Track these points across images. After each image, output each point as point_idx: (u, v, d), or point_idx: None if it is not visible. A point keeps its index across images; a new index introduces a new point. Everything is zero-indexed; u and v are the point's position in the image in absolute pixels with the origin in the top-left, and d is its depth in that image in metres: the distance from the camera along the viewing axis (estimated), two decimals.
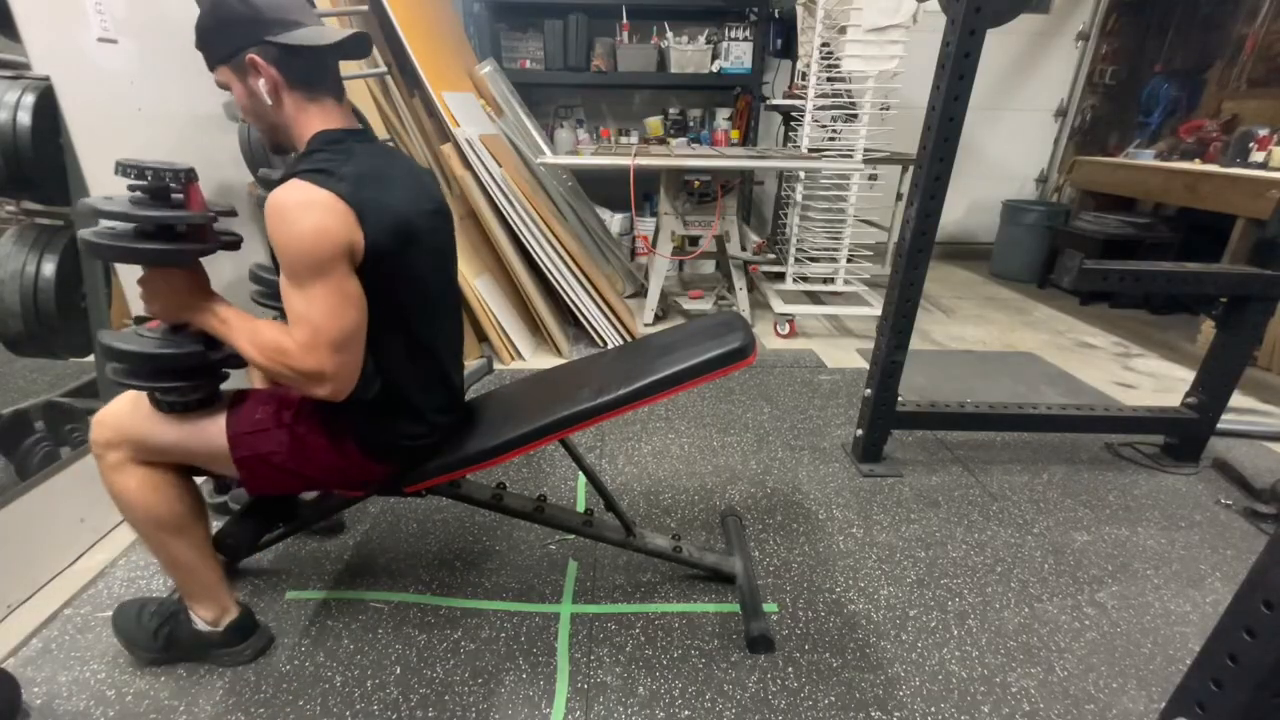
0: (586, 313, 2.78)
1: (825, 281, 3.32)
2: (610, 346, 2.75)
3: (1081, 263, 1.65)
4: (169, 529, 1.10)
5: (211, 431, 1.05)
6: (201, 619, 1.17)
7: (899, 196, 3.61)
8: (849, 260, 3.21)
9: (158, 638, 1.16)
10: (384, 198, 0.96)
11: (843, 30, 2.82)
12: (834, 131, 3.10)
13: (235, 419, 1.06)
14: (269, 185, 1.67)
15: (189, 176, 0.96)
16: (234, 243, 1.10)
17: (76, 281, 1.61)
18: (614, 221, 3.82)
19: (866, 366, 2.02)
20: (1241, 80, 3.50)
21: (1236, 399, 2.09)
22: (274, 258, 0.95)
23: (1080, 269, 1.65)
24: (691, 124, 4.15)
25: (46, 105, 1.41)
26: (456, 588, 1.41)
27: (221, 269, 1.91)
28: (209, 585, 1.17)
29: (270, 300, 1.41)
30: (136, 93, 1.63)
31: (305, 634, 1.27)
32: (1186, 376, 2.06)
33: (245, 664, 1.20)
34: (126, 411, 1.06)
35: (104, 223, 0.97)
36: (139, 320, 1.06)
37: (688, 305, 3.23)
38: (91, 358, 1.74)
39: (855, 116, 3.03)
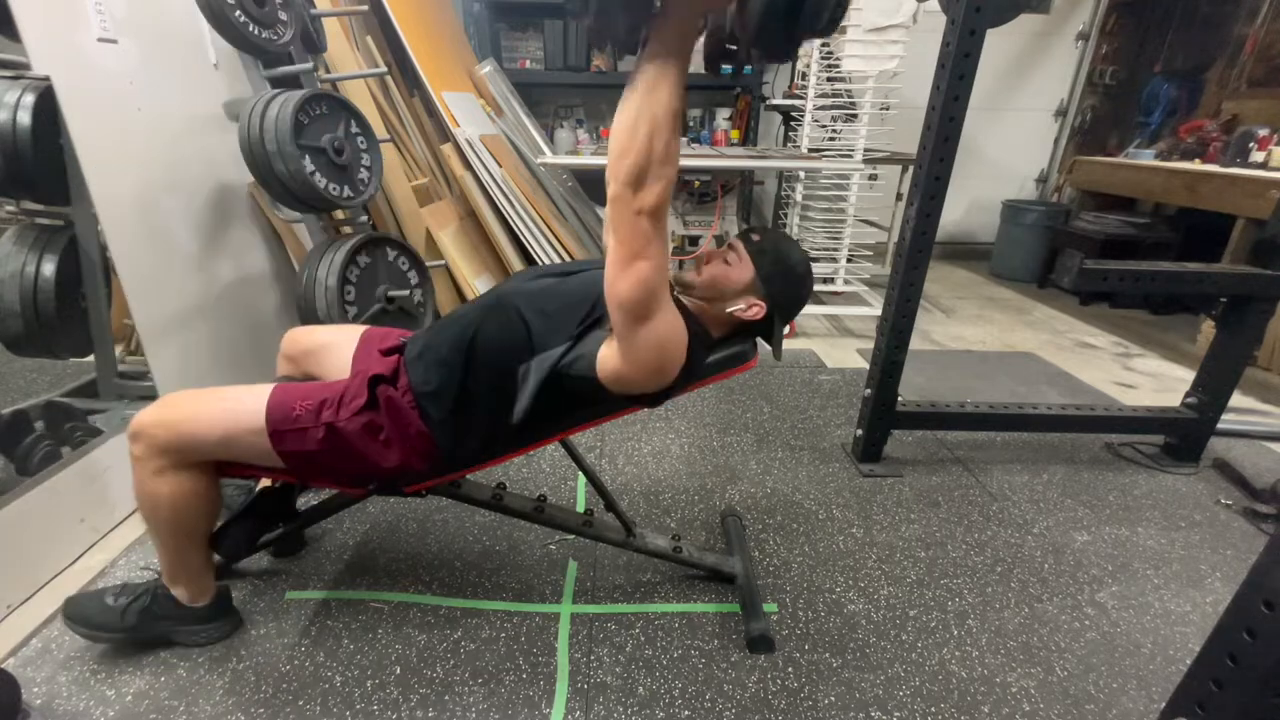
0: None
1: (825, 281, 3.32)
2: None
3: (1081, 263, 1.65)
4: (186, 534, 1.12)
5: (254, 426, 1.05)
6: (180, 598, 1.19)
7: (899, 196, 3.61)
8: (849, 260, 3.21)
9: (126, 616, 1.17)
10: None
11: (843, 30, 2.82)
12: (834, 131, 3.10)
13: (274, 415, 1.06)
14: (264, 178, 1.67)
15: None
16: None
17: (76, 281, 1.61)
18: None
19: (866, 366, 2.02)
20: (1241, 80, 3.50)
21: (1236, 399, 2.09)
22: None
23: (1080, 269, 1.65)
24: (691, 124, 4.15)
25: (46, 105, 1.41)
26: (456, 588, 1.41)
27: (220, 271, 1.91)
28: (198, 569, 1.19)
29: None
30: (136, 93, 1.63)
31: (305, 634, 1.27)
32: (1186, 376, 2.06)
33: (214, 643, 1.23)
34: (170, 414, 1.06)
35: None
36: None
37: None
38: (92, 358, 1.75)
39: (855, 116, 3.03)
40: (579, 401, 1.09)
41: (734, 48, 0.85)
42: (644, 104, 0.79)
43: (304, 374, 1.32)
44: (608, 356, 0.99)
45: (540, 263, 2.73)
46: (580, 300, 1.06)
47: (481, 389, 1.07)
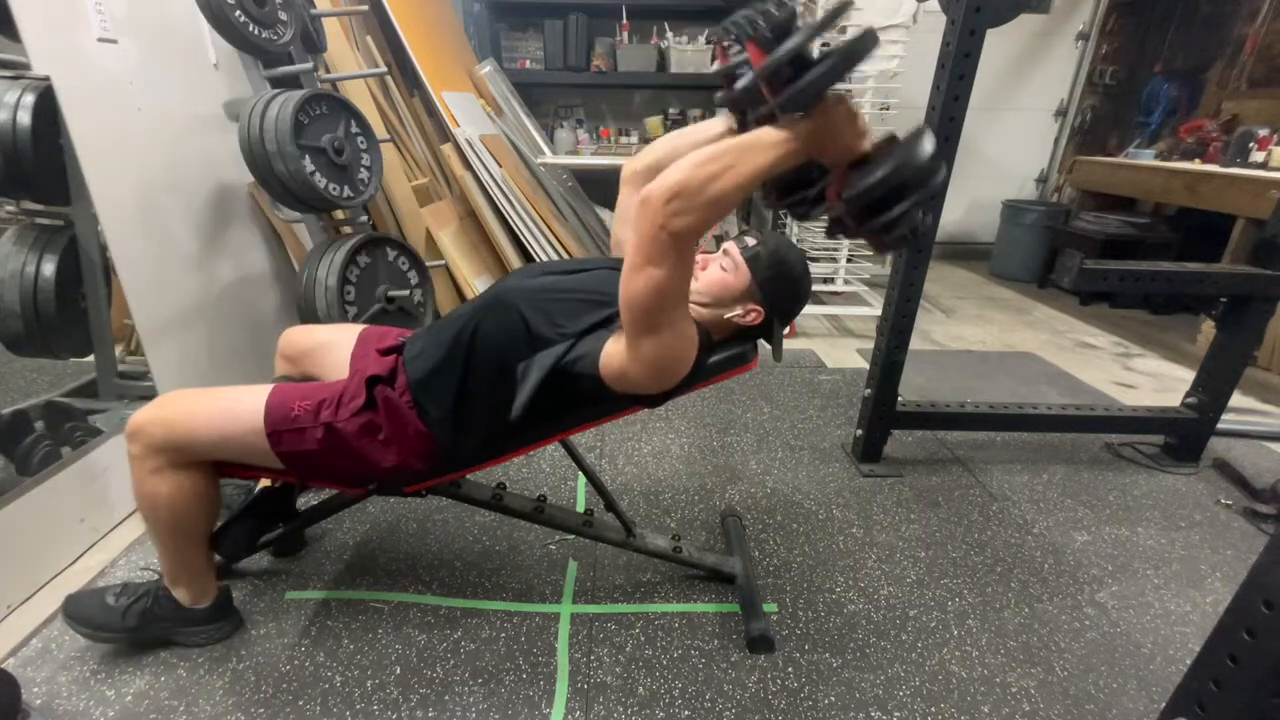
0: None
1: (825, 281, 3.32)
2: None
3: (1081, 263, 1.65)
4: (186, 534, 1.12)
5: (252, 425, 1.05)
6: (181, 599, 1.19)
7: None
8: (849, 260, 3.21)
9: (127, 617, 1.17)
10: None
11: (843, 30, 2.82)
12: None
13: (273, 415, 1.06)
14: (264, 178, 1.67)
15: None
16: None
17: (76, 281, 1.61)
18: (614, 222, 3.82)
19: (866, 366, 2.02)
20: (1241, 80, 3.50)
21: (1236, 399, 2.09)
22: None
23: (1080, 269, 1.65)
24: (691, 124, 4.14)
25: (46, 105, 1.41)
26: (456, 588, 1.41)
27: (220, 271, 1.91)
28: (199, 571, 1.19)
29: None
30: (136, 93, 1.63)
31: (305, 634, 1.27)
32: (1186, 376, 2.06)
33: (215, 644, 1.22)
34: (168, 412, 1.06)
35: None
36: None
37: None
38: (92, 358, 1.74)
39: None
40: (579, 400, 1.09)
41: (806, 189, 0.89)
42: (733, 151, 0.80)
43: (302, 374, 1.32)
44: (614, 354, 0.98)
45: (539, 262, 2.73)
46: (585, 300, 1.06)
47: (481, 386, 1.07)
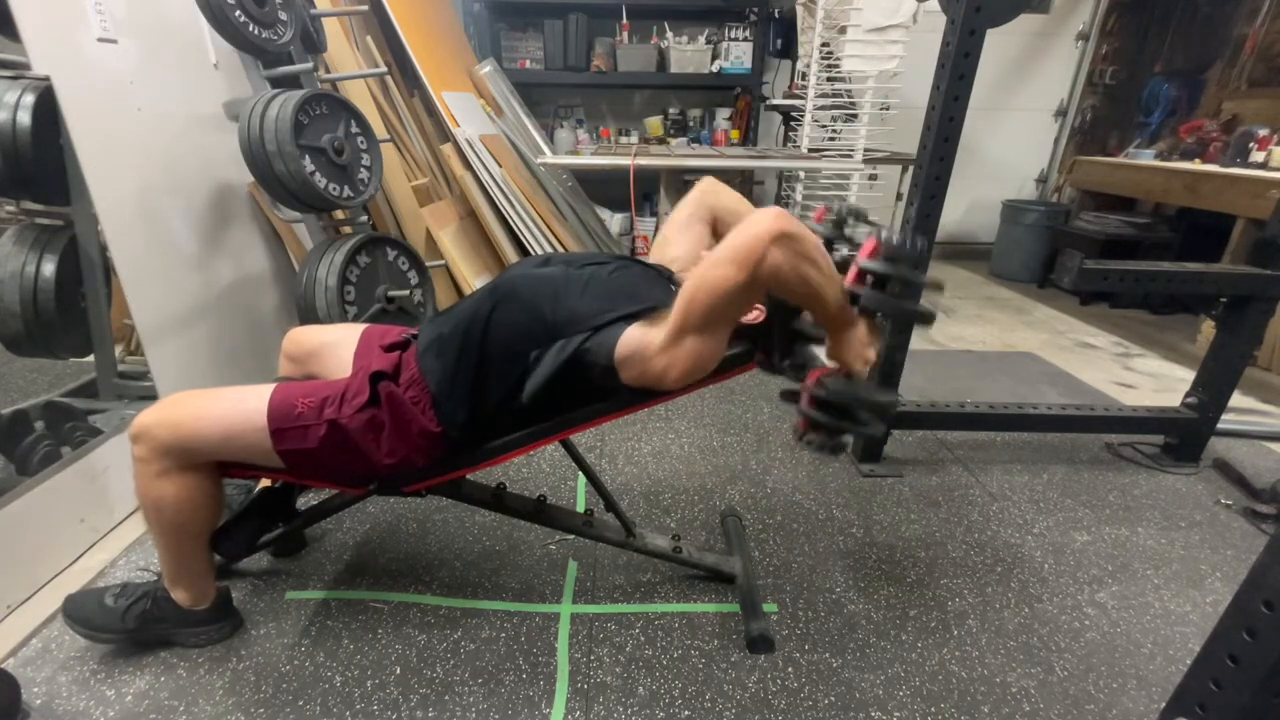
0: None
1: None
2: None
3: (1081, 263, 1.65)
4: (189, 536, 1.12)
5: (256, 424, 1.05)
6: (181, 600, 1.19)
7: (899, 196, 3.61)
8: None
9: (126, 619, 1.17)
10: None
11: (843, 30, 2.82)
12: (834, 131, 3.10)
13: (276, 413, 1.06)
14: (264, 178, 1.67)
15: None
16: None
17: (76, 281, 1.62)
18: (614, 221, 3.82)
19: None
20: (1241, 80, 3.50)
21: (1236, 399, 2.09)
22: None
23: (1080, 269, 1.65)
24: (691, 124, 4.15)
25: (46, 105, 1.41)
26: (456, 588, 1.41)
27: (220, 271, 1.91)
28: (200, 573, 1.19)
29: None
30: (136, 93, 1.63)
31: (305, 634, 1.27)
32: (1186, 376, 2.06)
33: (216, 643, 1.23)
34: (172, 414, 1.06)
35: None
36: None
37: None
38: (92, 358, 1.75)
39: (855, 116, 3.03)
40: (588, 393, 1.10)
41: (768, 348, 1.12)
42: (829, 269, 0.94)
43: (305, 374, 1.32)
44: (639, 342, 1.00)
45: None
46: (609, 294, 1.07)
47: (495, 373, 1.07)
